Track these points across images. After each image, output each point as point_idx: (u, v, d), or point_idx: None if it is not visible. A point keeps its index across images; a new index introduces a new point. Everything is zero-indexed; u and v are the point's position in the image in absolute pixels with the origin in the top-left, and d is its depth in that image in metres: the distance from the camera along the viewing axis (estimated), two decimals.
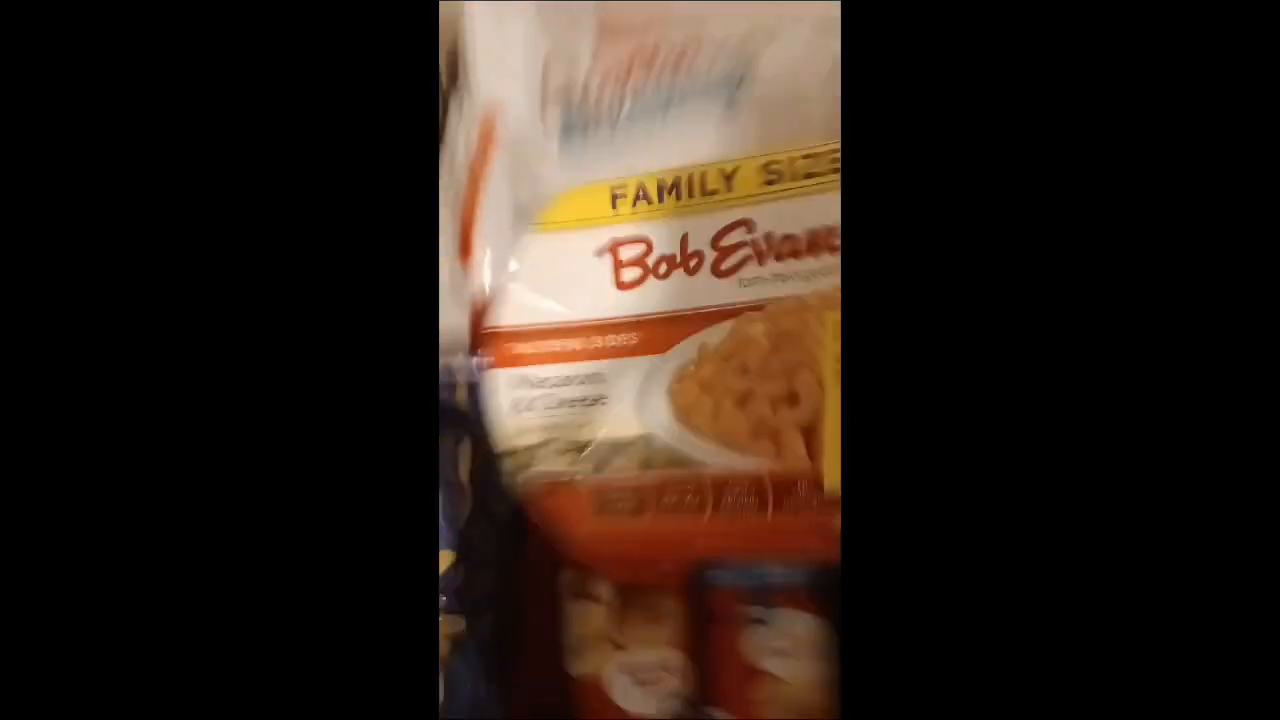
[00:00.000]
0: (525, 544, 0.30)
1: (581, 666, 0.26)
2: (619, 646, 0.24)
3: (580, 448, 0.27)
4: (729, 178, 0.26)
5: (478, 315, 0.30)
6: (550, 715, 0.21)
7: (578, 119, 0.33)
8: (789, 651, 0.22)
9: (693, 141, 0.30)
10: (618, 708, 0.23)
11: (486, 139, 0.33)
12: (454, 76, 0.40)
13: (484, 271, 0.31)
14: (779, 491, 0.25)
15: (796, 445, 0.25)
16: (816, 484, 0.25)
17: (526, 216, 0.31)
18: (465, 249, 0.31)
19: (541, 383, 0.28)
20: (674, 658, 0.22)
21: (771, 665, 0.21)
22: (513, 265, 0.29)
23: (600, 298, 0.28)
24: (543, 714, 0.22)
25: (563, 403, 0.28)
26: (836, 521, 0.24)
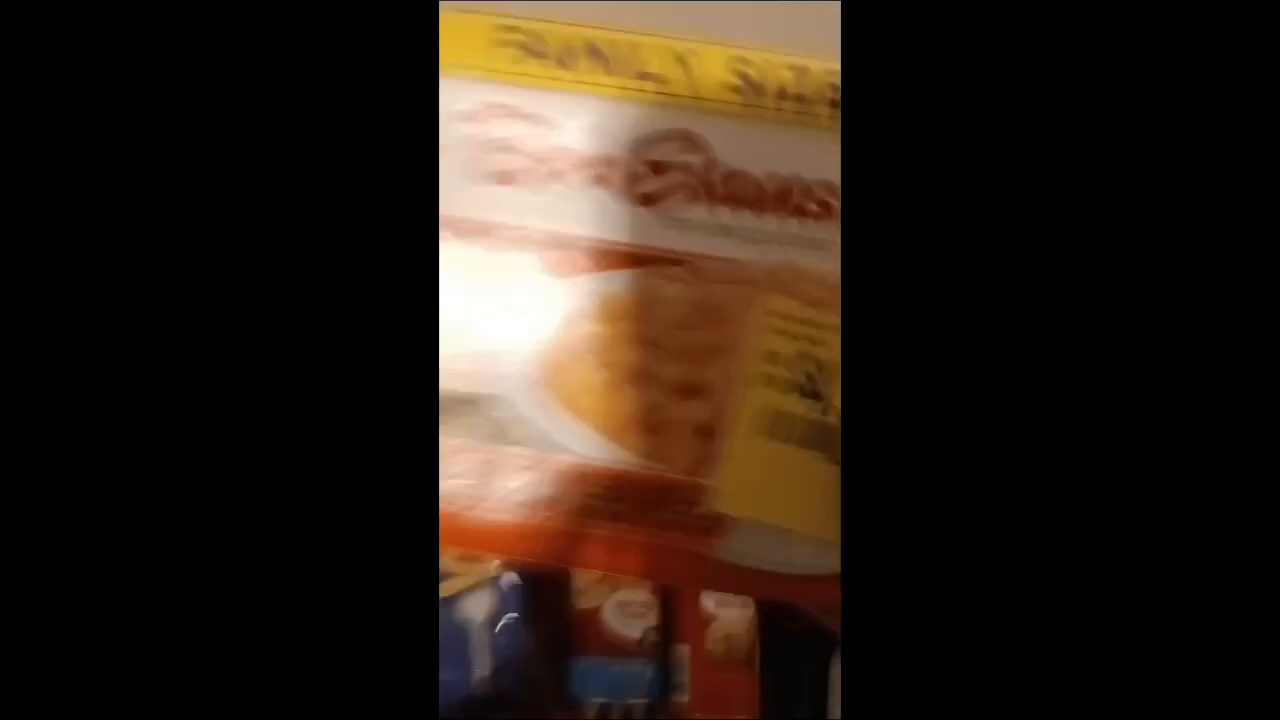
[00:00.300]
0: None
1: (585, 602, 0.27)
2: (614, 588, 0.26)
3: None
4: (683, 62, 0.17)
5: None
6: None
7: None
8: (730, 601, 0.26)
9: None
10: (612, 632, 0.25)
11: None
12: None
13: None
14: (654, 498, 0.20)
15: (689, 446, 0.20)
16: (703, 497, 0.20)
17: None
18: None
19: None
20: (651, 600, 0.26)
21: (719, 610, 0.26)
22: None
23: (451, 187, 0.18)
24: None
25: None
26: (719, 545, 0.20)
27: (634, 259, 0.19)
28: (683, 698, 0.34)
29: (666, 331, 0.20)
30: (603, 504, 0.21)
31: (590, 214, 0.19)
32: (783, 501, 0.20)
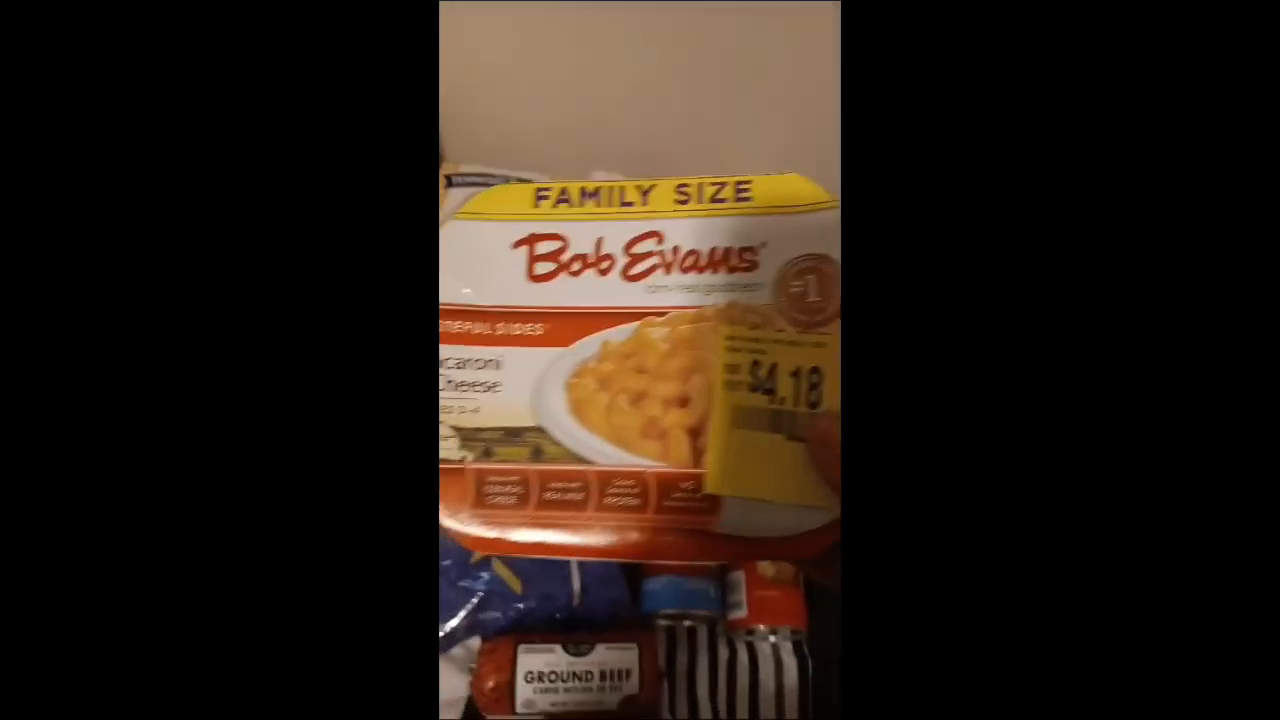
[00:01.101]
0: None
1: None
2: None
3: (471, 433, 0.28)
4: (645, 193, 0.28)
5: None
6: None
7: None
8: None
9: None
10: None
11: None
12: None
13: None
14: (662, 490, 0.26)
15: (684, 445, 0.27)
16: (699, 484, 0.26)
17: None
18: None
19: (440, 363, 0.28)
20: None
21: None
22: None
23: (512, 287, 0.29)
24: None
25: (457, 385, 0.28)
26: (714, 521, 0.26)
27: (629, 316, 0.28)
28: (740, 613, 0.46)
29: (657, 362, 0.28)
30: (625, 499, 0.27)
31: (600, 291, 0.28)
32: (758, 477, 0.26)
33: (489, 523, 0.27)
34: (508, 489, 0.27)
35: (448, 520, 0.27)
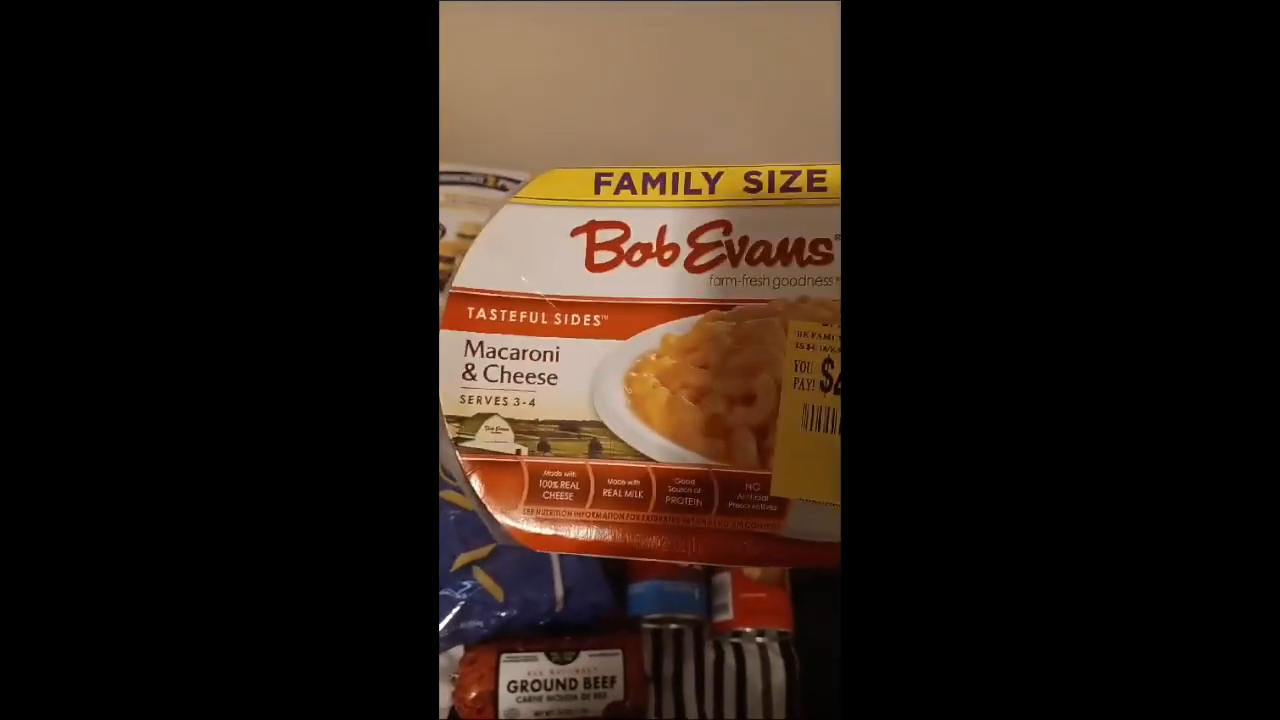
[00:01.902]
0: None
1: None
2: None
3: (526, 426, 0.26)
4: (713, 180, 0.27)
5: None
6: None
7: None
8: None
9: None
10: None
11: None
12: None
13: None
14: (725, 490, 0.26)
15: (749, 445, 0.26)
16: (765, 485, 0.25)
17: None
18: None
19: (495, 352, 0.26)
20: None
21: None
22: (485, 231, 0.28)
23: (570, 276, 0.27)
24: None
25: (513, 376, 0.26)
26: (782, 524, 0.25)
27: (693, 309, 0.27)
28: (727, 616, 0.45)
29: (721, 357, 0.27)
30: (686, 499, 0.26)
31: (662, 283, 0.27)
32: (825, 480, 0.25)
33: (544, 519, 0.25)
34: (564, 485, 0.26)
35: (501, 516, 0.25)
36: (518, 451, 0.26)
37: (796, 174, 0.27)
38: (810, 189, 0.27)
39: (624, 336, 0.27)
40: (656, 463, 0.26)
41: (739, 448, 0.26)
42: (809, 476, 0.25)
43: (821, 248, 0.26)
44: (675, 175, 0.27)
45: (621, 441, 0.26)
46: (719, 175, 0.27)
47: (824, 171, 0.27)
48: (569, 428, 0.26)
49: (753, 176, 0.27)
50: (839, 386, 0.26)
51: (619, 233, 0.27)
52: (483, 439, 0.26)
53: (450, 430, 0.26)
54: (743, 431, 0.26)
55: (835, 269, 0.26)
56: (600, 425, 0.26)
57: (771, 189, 0.27)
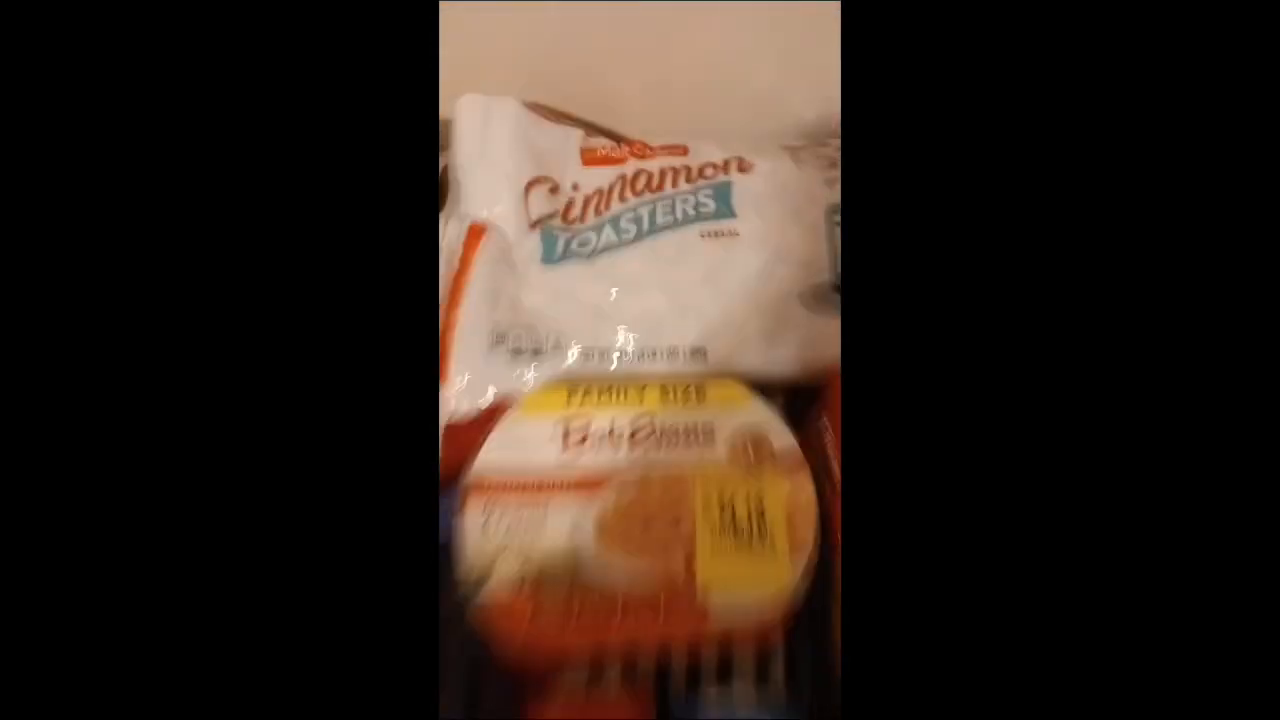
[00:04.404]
0: None
1: None
2: None
3: (527, 557, 0.39)
4: (641, 393, 0.44)
5: (453, 439, 0.41)
6: None
7: (558, 245, 0.43)
8: None
9: (666, 271, 0.43)
10: None
11: (466, 261, 0.42)
12: (442, 196, 0.43)
13: (458, 396, 0.41)
14: (669, 593, 0.38)
15: (680, 552, 0.39)
16: (693, 587, 0.38)
17: (503, 340, 0.42)
18: (442, 372, 0.40)
19: (504, 508, 0.40)
20: None
21: None
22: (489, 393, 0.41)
23: (554, 459, 0.42)
24: None
25: (518, 518, 0.40)
26: (709, 624, 0.37)
27: (637, 470, 0.42)
28: None
29: (658, 495, 0.41)
30: (646, 602, 0.38)
31: (612, 457, 0.42)
32: (740, 575, 0.38)
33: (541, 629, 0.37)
34: (556, 601, 0.38)
35: (503, 651, 0.37)
36: (523, 578, 0.38)
37: (691, 388, 0.44)
38: (700, 399, 0.43)
39: (594, 491, 0.41)
40: (621, 575, 0.39)
41: (674, 559, 0.39)
42: (726, 574, 0.39)
43: (709, 428, 0.42)
44: (621, 389, 0.44)
45: (593, 563, 0.39)
46: (644, 388, 0.44)
47: (704, 388, 0.44)
48: (555, 556, 0.39)
49: (668, 389, 0.44)
50: (731, 514, 0.40)
51: (586, 427, 0.43)
52: (496, 575, 0.38)
53: (471, 581, 0.38)
54: (677, 546, 0.40)
55: (721, 447, 0.42)
56: (577, 551, 0.39)
57: (676, 398, 0.44)
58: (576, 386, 0.44)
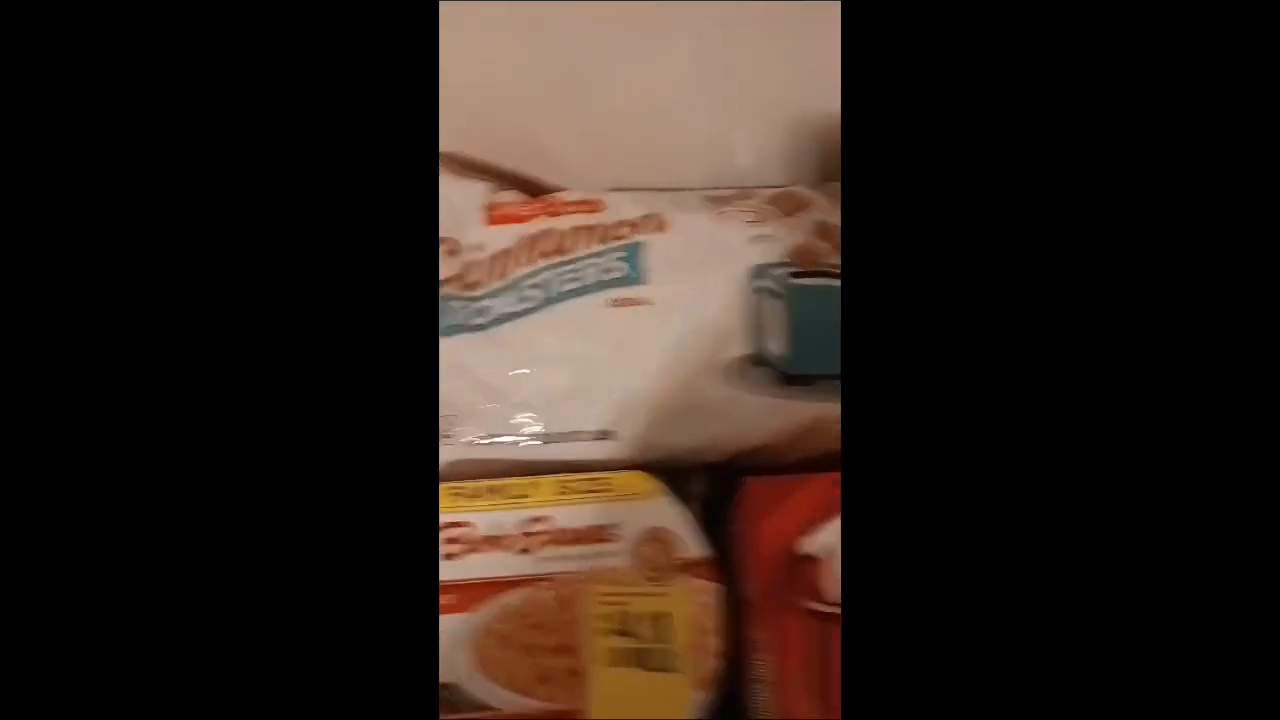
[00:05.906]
0: None
1: None
2: None
3: None
4: (535, 487, 0.39)
5: None
6: None
7: (452, 314, 0.40)
8: None
9: (570, 343, 0.40)
10: None
11: None
12: None
13: None
14: None
15: (570, 686, 0.34)
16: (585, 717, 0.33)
17: None
18: None
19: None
20: None
21: None
22: None
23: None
24: None
25: None
26: None
27: (523, 582, 0.37)
28: None
29: (546, 616, 0.36)
30: None
31: (499, 565, 0.37)
32: (637, 706, 0.33)
33: None
34: None
35: None
36: None
37: (595, 480, 0.38)
38: (603, 492, 0.38)
39: (469, 610, 0.36)
40: (503, 711, 0.34)
41: (561, 689, 0.34)
42: (617, 704, 0.33)
43: (611, 530, 0.37)
44: (505, 486, 0.39)
45: (473, 697, 0.34)
46: (537, 484, 0.39)
47: (609, 480, 0.38)
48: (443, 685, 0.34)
49: (566, 484, 0.39)
50: (632, 630, 0.35)
51: (468, 529, 0.37)
52: None
53: None
54: (565, 676, 0.34)
55: (620, 547, 0.37)
56: (454, 687, 0.34)
57: (577, 491, 0.38)
58: (463, 486, 0.39)
